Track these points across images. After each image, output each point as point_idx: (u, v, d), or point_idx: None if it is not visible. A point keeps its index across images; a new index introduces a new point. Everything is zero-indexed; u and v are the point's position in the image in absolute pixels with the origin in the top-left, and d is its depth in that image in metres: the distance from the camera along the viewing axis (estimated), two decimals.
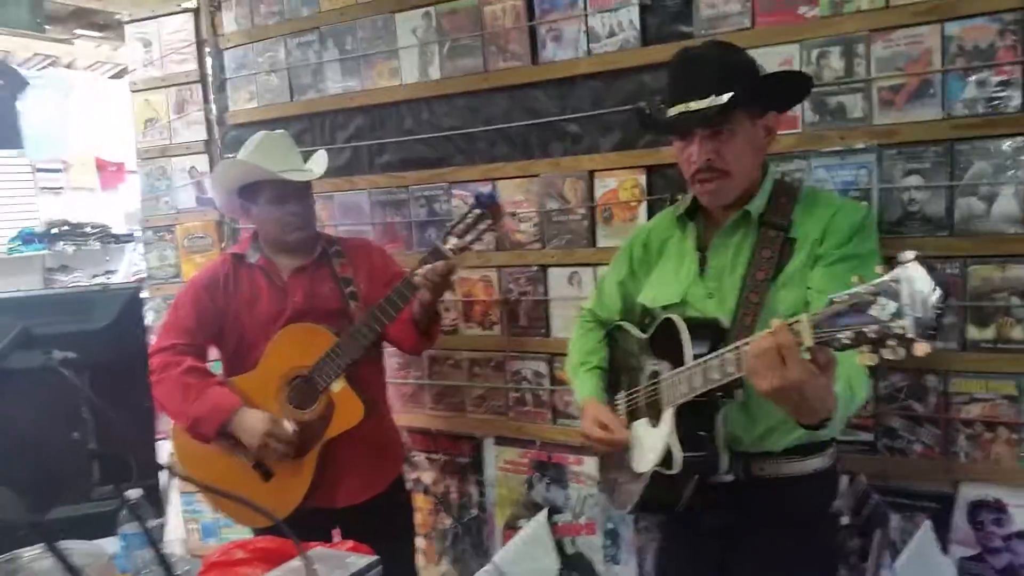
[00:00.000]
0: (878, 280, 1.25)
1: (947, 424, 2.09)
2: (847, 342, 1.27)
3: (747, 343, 1.46)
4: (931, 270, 1.22)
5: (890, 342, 1.22)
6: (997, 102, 1.96)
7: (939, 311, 1.20)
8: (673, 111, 1.74)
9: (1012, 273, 1.97)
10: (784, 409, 1.46)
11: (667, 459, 1.69)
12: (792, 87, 1.86)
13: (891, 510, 2.16)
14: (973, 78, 1.98)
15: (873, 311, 1.24)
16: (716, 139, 1.71)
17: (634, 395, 1.90)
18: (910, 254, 1.23)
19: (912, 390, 2.11)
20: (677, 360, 1.70)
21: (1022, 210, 1.95)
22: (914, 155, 2.06)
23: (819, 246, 1.71)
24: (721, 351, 1.56)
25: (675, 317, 1.75)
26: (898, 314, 1.21)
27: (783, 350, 1.35)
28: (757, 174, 1.81)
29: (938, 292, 1.20)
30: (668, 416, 1.71)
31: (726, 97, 1.65)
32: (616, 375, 2.04)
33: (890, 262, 1.26)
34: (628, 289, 2.05)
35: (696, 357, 1.65)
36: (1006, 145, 1.96)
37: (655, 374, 1.81)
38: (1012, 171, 1.95)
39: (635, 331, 1.98)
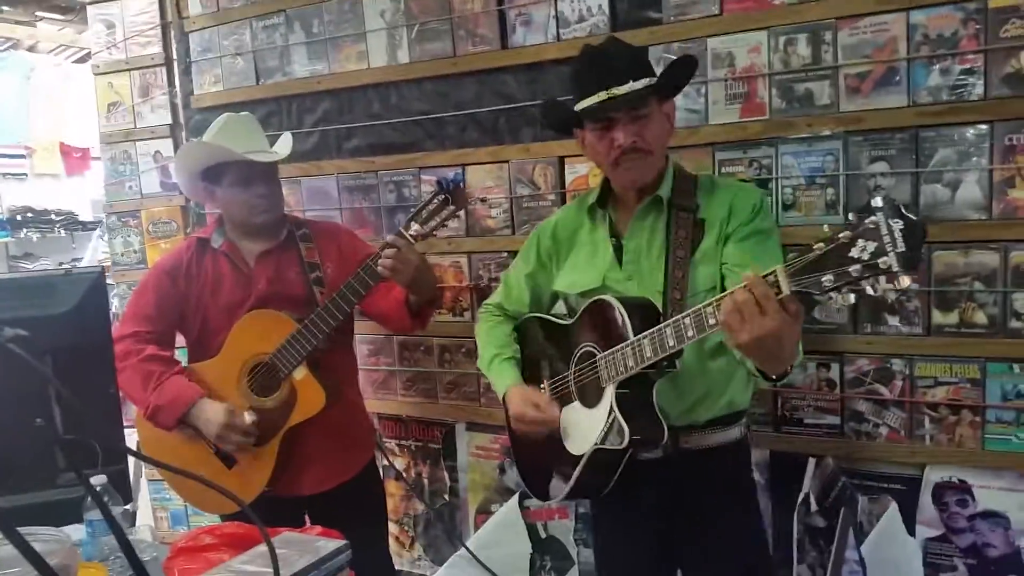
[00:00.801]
0: (853, 223, 1.31)
1: (912, 407, 2.12)
2: (829, 285, 1.33)
3: (708, 304, 1.53)
4: (905, 207, 1.28)
5: (873, 279, 1.29)
6: (961, 90, 1.98)
7: (918, 241, 1.26)
8: (592, 100, 1.79)
9: (975, 259, 2.01)
10: (755, 359, 1.54)
11: (610, 436, 1.73)
12: (684, 73, 1.91)
13: (858, 492, 2.20)
14: (937, 66, 2.00)
15: (853, 253, 1.30)
16: (637, 122, 1.78)
17: (561, 380, 1.93)
18: (880, 199, 1.29)
19: (878, 374, 2.15)
20: (613, 338, 1.74)
21: (985, 197, 1.98)
22: (880, 142, 2.08)
23: (727, 225, 1.82)
24: (676, 318, 1.60)
25: (607, 297, 1.80)
26: (878, 252, 1.28)
27: (762, 300, 1.40)
28: (663, 160, 1.89)
29: (914, 223, 1.26)
30: (609, 393, 1.75)
31: (644, 81, 1.76)
32: (531, 366, 2.05)
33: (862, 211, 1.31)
34: (537, 281, 2.09)
35: (634, 331, 1.69)
36: (970, 132, 1.99)
37: (587, 355, 1.84)
38: (975, 158, 1.98)
39: (554, 319, 2.02)
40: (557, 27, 2.45)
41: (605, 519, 2.12)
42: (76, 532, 1.50)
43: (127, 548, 1.24)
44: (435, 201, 2.22)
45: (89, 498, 1.42)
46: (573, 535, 2.66)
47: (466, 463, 2.85)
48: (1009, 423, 2.02)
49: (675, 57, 2.15)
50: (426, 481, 2.94)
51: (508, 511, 2.71)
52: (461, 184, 2.19)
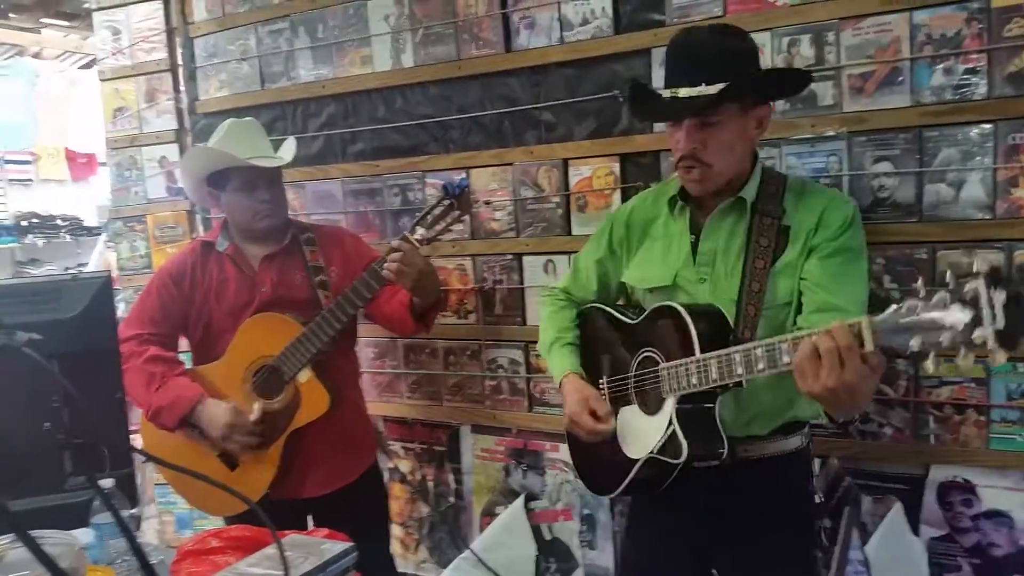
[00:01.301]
0: (951, 288, 1.24)
1: (917, 407, 2.12)
2: (916, 349, 1.26)
3: (783, 340, 1.47)
4: (1006, 280, 1.20)
5: (963, 350, 1.22)
6: (964, 89, 1.98)
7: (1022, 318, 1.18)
8: (665, 94, 1.72)
9: (979, 258, 1.99)
10: (825, 405, 1.48)
11: (667, 448, 1.69)
12: (789, 83, 1.86)
13: (863, 492, 2.19)
14: (941, 66, 2.00)
15: (947, 320, 1.23)
16: (703, 129, 1.68)
17: (621, 380, 1.88)
18: (985, 263, 1.22)
19: (883, 374, 2.14)
20: (677, 350, 1.69)
21: (989, 196, 1.98)
22: (883, 142, 2.08)
23: (813, 236, 1.72)
24: (747, 346, 1.55)
25: (678, 306, 1.71)
26: (975, 323, 1.20)
27: (844, 352, 1.35)
28: (747, 163, 1.80)
29: (1019, 297, 1.19)
30: (669, 405, 1.70)
31: (715, 89, 1.63)
32: (590, 357, 1.99)
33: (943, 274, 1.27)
34: (606, 268, 2.02)
35: (701, 345, 1.63)
36: (973, 132, 1.98)
37: (648, 361, 1.78)
38: (979, 158, 1.98)
39: (618, 314, 1.94)
40: (561, 30, 2.45)
41: (646, 513, 2.05)
42: (83, 536, 1.51)
43: (137, 550, 1.25)
44: (441, 205, 2.22)
45: (96, 501, 1.43)
46: (578, 537, 2.66)
47: (471, 465, 2.85)
48: (1014, 422, 2.01)
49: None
50: (431, 483, 2.95)
51: (513, 513, 2.71)
52: (466, 188, 2.19)
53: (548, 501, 2.70)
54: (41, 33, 8.10)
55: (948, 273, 1.25)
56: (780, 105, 2.17)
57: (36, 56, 8.16)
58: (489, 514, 2.82)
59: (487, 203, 2.64)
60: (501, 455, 2.78)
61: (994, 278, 1.19)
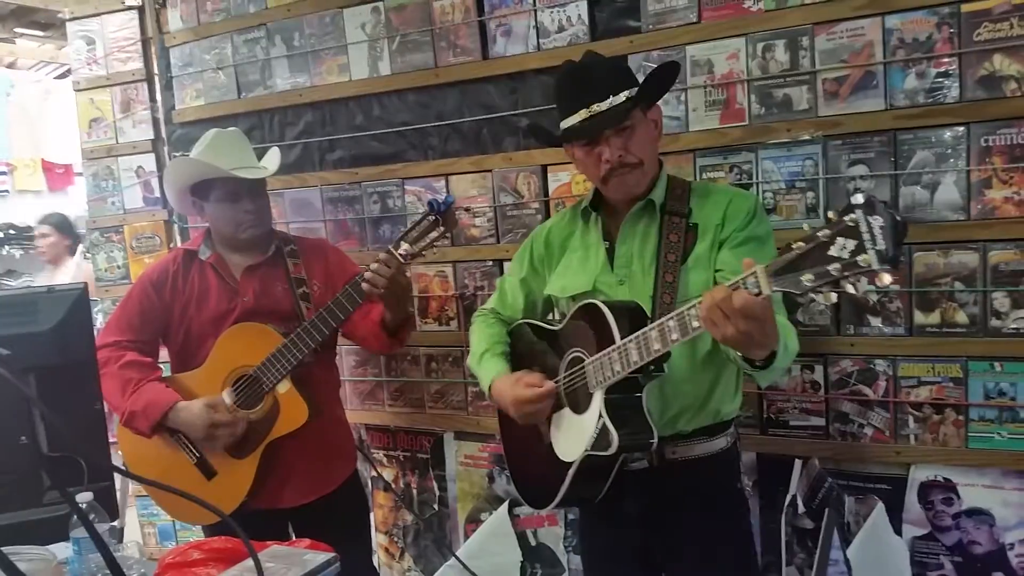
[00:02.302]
0: (833, 221, 1.30)
1: (896, 407, 2.14)
2: (809, 285, 1.32)
3: (690, 307, 1.53)
4: (882, 204, 1.26)
5: (853, 278, 1.28)
6: (937, 93, 2.01)
7: (899, 238, 1.24)
8: (575, 118, 1.80)
9: (955, 259, 2.03)
10: (741, 350, 1.54)
11: (599, 442, 1.72)
12: (666, 78, 1.91)
13: (845, 493, 2.21)
14: (913, 70, 2.02)
15: (832, 251, 1.29)
16: (622, 135, 1.78)
17: None
18: (860, 196, 1.27)
19: (862, 375, 2.16)
20: (599, 344, 1.74)
21: (963, 197, 2.01)
22: (859, 145, 2.10)
23: (721, 231, 1.81)
24: (660, 321, 1.60)
25: (596, 301, 1.78)
26: (858, 249, 1.26)
27: (736, 301, 1.41)
28: (656, 167, 1.89)
29: (894, 220, 1.24)
30: (597, 398, 1.74)
31: (624, 95, 1.76)
32: (521, 369, 2.02)
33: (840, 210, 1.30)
34: (530, 287, 2.09)
35: (620, 334, 1.68)
36: (947, 134, 2.01)
37: (576, 361, 1.83)
38: (952, 160, 2.01)
39: (543, 324, 2.01)
40: (537, 37, 2.46)
41: (590, 529, 2.11)
42: (62, 550, 1.49)
43: (113, 566, 1.24)
44: (425, 221, 2.22)
45: (75, 516, 1.41)
46: (563, 542, 2.66)
47: (455, 472, 2.85)
48: (992, 421, 2.04)
49: (655, 65, 2.15)
50: (415, 491, 2.94)
51: (498, 520, 2.71)
52: (451, 206, 2.19)
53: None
54: (15, 43, 8.02)
55: (830, 212, 1.31)
56: (756, 110, 2.20)
57: (10, 67, 8.09)
58: (474, 521, 2.81)
59: (467, 210, 2.64)
60: (485, 461, 2.78)
61: (871, 206, 1.26)
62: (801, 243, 1.33)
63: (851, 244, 1.27)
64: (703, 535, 1.86)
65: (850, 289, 1.29)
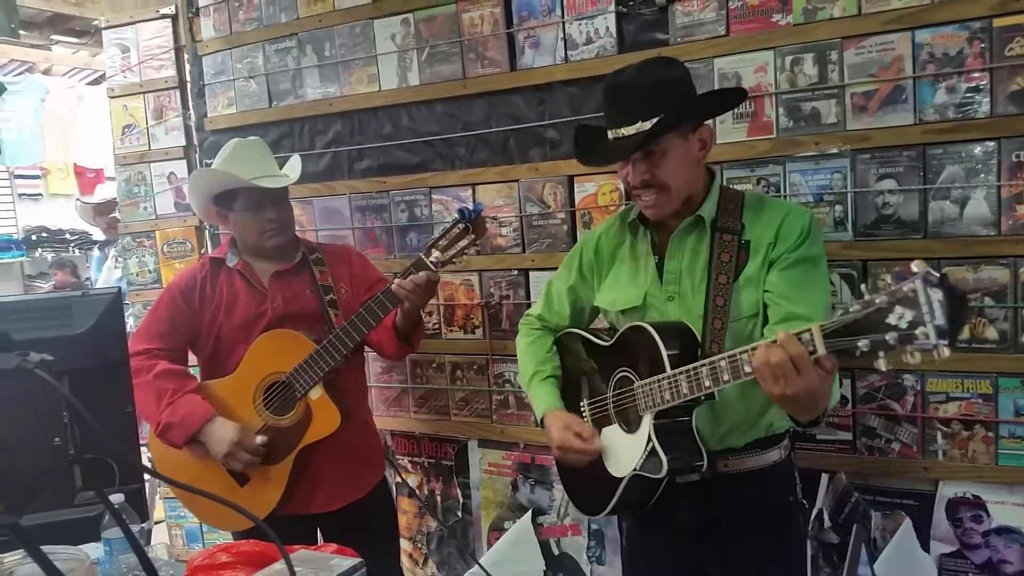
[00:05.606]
0: (892, 289, 1.29)
1: (925, 423, 2.12)
2: (864, 350, 1.31)
3: (744, 351, 1.52)
4: (943, 277, 1.26)
5: (909, 348, 1.27)
6: (967, 108, 1.99)
7: (961, 316, 1.25)
8: (610, 135, 1.81)
9: (985, 274, 2.01)
10: (788, 410, 1.54)
11: (648, 464, 1.73)
12: (726, 101, 1.90)
13: (872, 508, 2.19)
14: (943, 84, 2.01)
15: (890, 319, 1.28)
16: (648, 160, 1.75)
17: (600, 402, 1.93)
18: (921, 264, 1.27)
19: (890, 390, 2.15)
20: (649, 367, 1.73)
21: (993, 213, 1.99)
22: (887, 159, 2.09)
23: (772, 249, 1.77)
24: (712, 360, 1.59)
25: (645, 324, 1.78)
26: (915, 322, 1.25)
27: (797, 360, 1.41)
28: (701, 183, 1.85)
29: (954, 294, 1.24)
30: (647, 421, 1.74)
31: (650, 124, 1.71)
32: (570, 382, 2.05)
33: (889, 272, 1.30)
34: (578, 294, 2.08)
35: (671, 362, 1.68)
36: (977, 150, 2.00)
37: (625, 380, 1.83)
38: (983, 175, 1.99)
39: (592, 337, 2.00)
40: (565, 49, 2.48)
41: (641, 535, 2.08)
42: (93, 551, 1.52)
43: (147, 565, 1.26)
44: (455, 229, 2.23)
45: (107, 516, 1.44)
46: (586, 552, 2.66)
47: (479, 480, 2.86)
48: (1022, 438, 2.02)
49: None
50: (439, 498, 2.95)
51: (521, 528, 2.71)
52: (481, 214, 2.20)
53: (556, 516, 2.70)
54: (51, 50, 8.16)
55: (888, 277, 1.30)
56: (784, 123, 2.19)
57: (46, 73, 8.23)
58: (497, 529, 2.82)
59: (493, 219, 2.65)
60: (509, 470, 2.79)
61: (929, 279, 1.25)
62: (858, 306, 1.33)
63: (909, 315, 1.27)
64: (755, 551, 1.84)
65: (907, 359, 1.28)
